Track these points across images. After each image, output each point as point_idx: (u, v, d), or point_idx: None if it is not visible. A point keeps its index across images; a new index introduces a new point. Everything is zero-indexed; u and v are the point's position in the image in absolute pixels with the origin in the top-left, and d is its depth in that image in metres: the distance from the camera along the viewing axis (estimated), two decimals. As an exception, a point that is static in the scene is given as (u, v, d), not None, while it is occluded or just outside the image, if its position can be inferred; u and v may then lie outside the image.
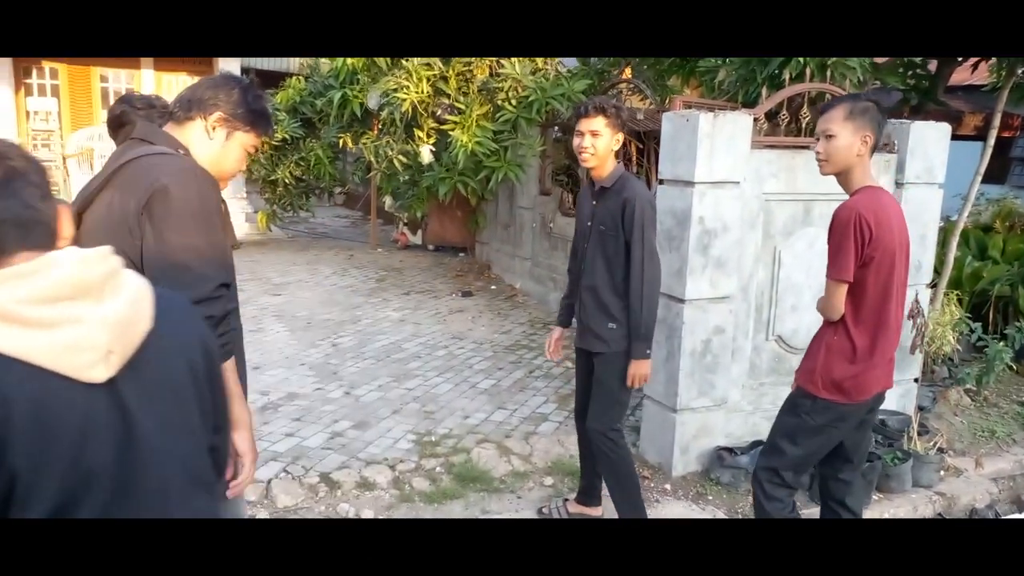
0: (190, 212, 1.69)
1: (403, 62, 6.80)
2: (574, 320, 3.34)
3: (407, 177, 7.38)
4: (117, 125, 2.04)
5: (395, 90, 6.70)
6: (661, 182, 4.08)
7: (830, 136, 2.43)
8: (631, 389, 3.14)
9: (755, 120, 3.99)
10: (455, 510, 3.60)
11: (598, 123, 2.97)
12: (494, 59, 6.88)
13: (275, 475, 3.74)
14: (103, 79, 12.77)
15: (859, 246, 2.39)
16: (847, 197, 2.51)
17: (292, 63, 14.56)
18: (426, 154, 6.91)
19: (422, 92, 6.67)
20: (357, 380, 5.20)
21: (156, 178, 1.67)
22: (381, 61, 7.00)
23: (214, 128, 1.83)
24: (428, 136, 6.96)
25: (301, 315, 7.00)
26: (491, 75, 6.74)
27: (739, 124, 3.81)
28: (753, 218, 4.00)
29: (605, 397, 3.16)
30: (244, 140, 1.89)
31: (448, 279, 8.84)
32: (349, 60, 7.15)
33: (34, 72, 12.13)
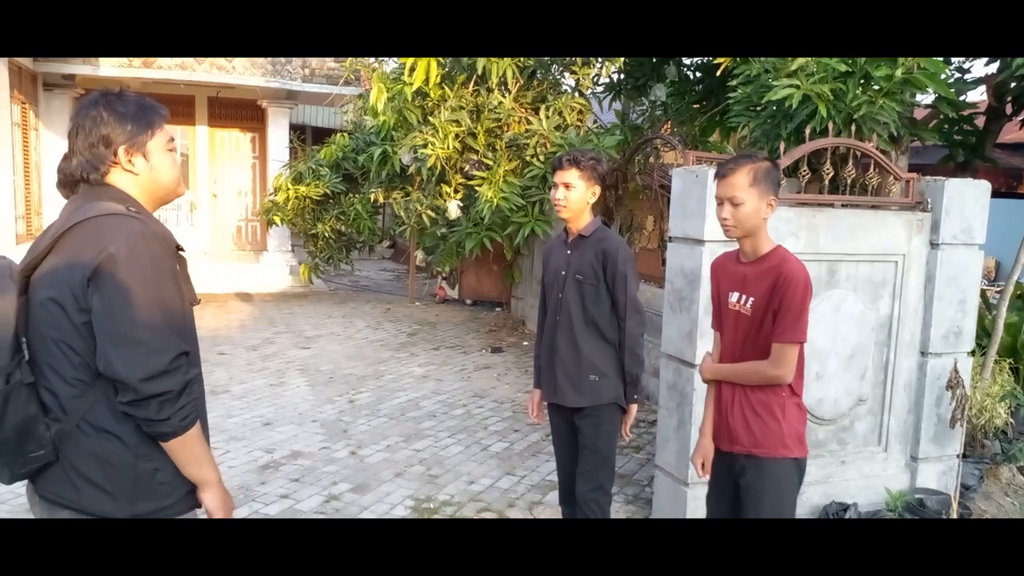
0: (141, 281, 1.59)
1: (430, 119, 6.82)
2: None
3: (435, 232, 7.34)
4: (71, 183, 1.96)
5: (423, 146, 6.71)
6: (671, 239, 3.90)
7: (737, 204, 2.39)
8: (617, 446, 3.09)
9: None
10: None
11: (571, 176, 2.94)
12: (523, 116, 6.84)
13: (260, 540, 3.59)
14: (160, 135, 13.21)
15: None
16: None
17: (339, 120, 14.89)
18: (453, 209, 6.87)
19: (448, 148, 6.65)
20: (366, 439, 5.05)
21: (103, 246, 1.58)
22: (412, 118, 7.03)
23: (131, 161, 1.71)
24: (456, 191, 6.92)
25: (325, 369, 6.93)
26: (520, 131, 6.68)
27: (752, 180, 3.61)
28: (771, 279, 3.76)
29: (593, 455, 3.01)
30: (158, 144, 1.76)
31: (480, 334, 8.72)
32: (382, 117, 7.19)
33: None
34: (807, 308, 2.35)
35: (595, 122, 8.25)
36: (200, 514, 1.82)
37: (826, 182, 3.98)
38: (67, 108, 11.42)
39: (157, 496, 1.69)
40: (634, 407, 3.07)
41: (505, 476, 4.52)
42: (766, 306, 2.38)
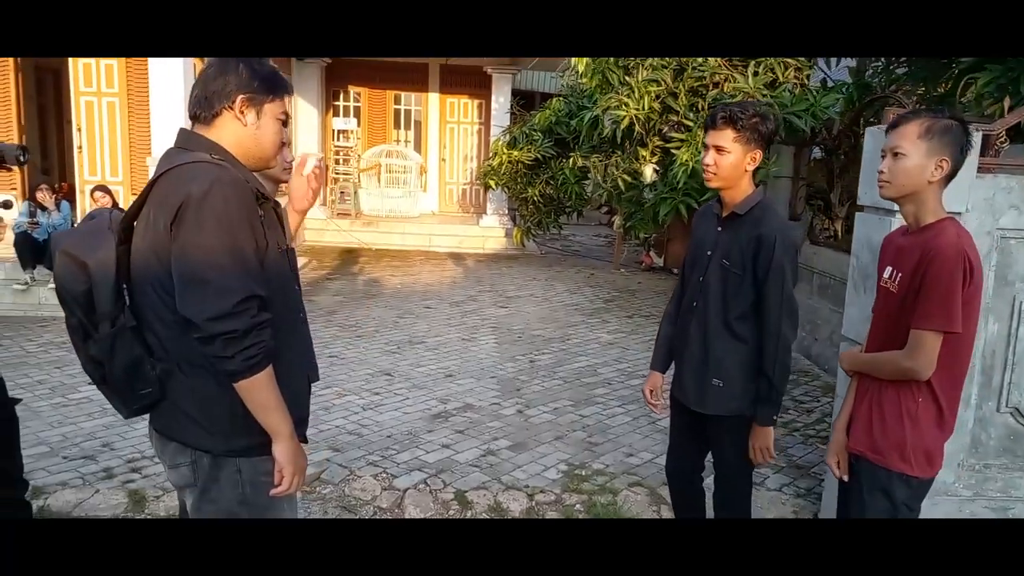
0: (213, 219, 1.65)
1: (627, 78, 6.60)
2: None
3: (631, 196, 7.14)
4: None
5: (617, 107, 6.52)
6: (860, 208, 3.45)
7: (898, 154, 2.06)
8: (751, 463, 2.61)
9: (992, 138, 3.20)
10: (579, 553, 3.34)
11: (726, 137, 2.45)
12: (729, 73, 6.39)
13: (413, 485, 3.77)
14: (396, 100, 14.19)
15: (962, 290, 1.96)
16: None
17: (553, 84, 14.97)
18: (648, 173, 6.63)
19: (643, 109, 6.40)
20: (536, 399, 5.10)
21: (184, 191, 1.66)
22: (614, 78, 6.85)
23: (243, 112, 1.79)
24: (652, 155, 6.66)
25: (516, 328, 7.09)
26: (722, 91, 6.26)
27: (962, 141, 3.07)
28: (982, 258, 3.19)
29: (725, 470, 2.68)
30: (273, 110, 1.84)
31: (681, 305, 8.41)
32: (584, 79, 7.10)
33: (340, 95, 13.83)
34: (956, 291, 1.93)
35: (822, 80, 7.53)
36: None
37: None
38: (317, 76, 12.59)
39: (251, 433, 1.76)
40: (769, 432, 2.53)
41: (666, 453, 4.33)
42: (909, 284, 2.02)
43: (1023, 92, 3.67)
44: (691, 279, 2.70)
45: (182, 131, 1.85)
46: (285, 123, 1.90)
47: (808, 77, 6.91)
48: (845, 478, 2.28)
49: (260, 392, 1.72)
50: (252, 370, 1.68)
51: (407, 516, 3.55)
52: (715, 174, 2.49)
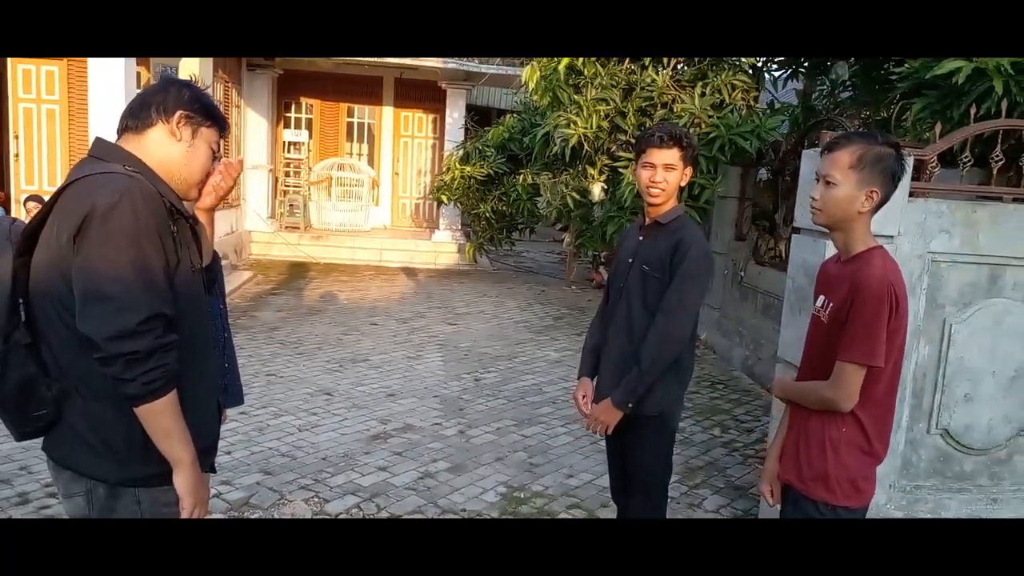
0: (119, 232, 1.56)
1: (576, 96, 6.61)
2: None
3: (580, 214, 7.15)
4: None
5: (565, 125, 6.52)
6: (797, 231, 3.47)
7: (829, 183, 2.03)
8: (664, 466, 2.72)
9: (925, 163, 3.24)
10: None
11: (673, 155, 2.54)
12: (676, 94, 6.45)
13: (346, 510, 3.66)
14: (349, 113, 14.06)
15: (888, 322, 1.93)
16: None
17: (508, 101, 15.02)
18: (596, 191, 6.64)
19: (592, 127, 6.41)
20: (479, 420, 5.02)
21: (90, 202, 1.57)
22: (564, 96, 6.86)
23: (179, 127, 1.73)
24: (600, 173, 6.68)
25: (463, 346, 7.01)
26: (670, 111, 6.30)
27: (894, 166, 3.11)
28: (912, 282, 3.23)
29: (638, 474, 2.70)
30: (209, 137, 1.80)
31: (630, 323, 8.43)
32: (534, 96, 7.09)
33: (292, 107, 13.65)
34: (880, 325, 1.90)
35: (770, 102, 7.65)
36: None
37: (995, 173, 3.35)
38: (268, 87, 12.41)
39: (148, 462, 1.68)
40: (616, 414, 2.55)
41: (607, 474, 4.28)
42: (836, 314, 2.00)
43: (954, 118, 3.74)
44: (614, 287, 2.76)
45: (98, 140, 1.76)
46: (215, 156, 1.84)
47: (755, 99, 7.01)
48: (777, 507, 2.26)
49: (160, 418, 1.63)
50: (153, 395, 1.59)
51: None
52: (663, 190, 2.56)
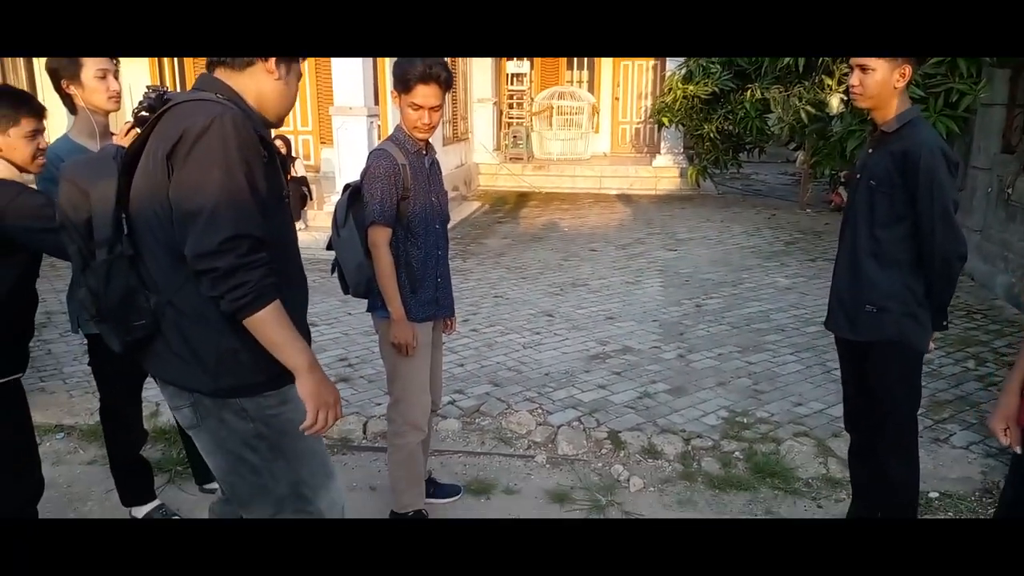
0: (207, 156, 1.62)
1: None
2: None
3: (816, 129, 6.59)
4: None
5: (799, 31, 5.96)
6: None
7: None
8: (911, 395, 2.51)
9: None
10: (735, 503, 3.21)
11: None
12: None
13: (567, 422, 3.79)
14: (569, 41, 13.93)
15: None
16: None
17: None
18: (835, 103, 6.06)
19: (830, 31, 5.81)
20: (699, 345, 4.93)
21: (183, 126, 1.65)
22: None
23: (275, 66, 1.81)
24: (839, 84, 6.08)
25: (683, 272, 6.87)
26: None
27: None
28: None
29: (885, 404, 2.50)
30: (299, 71, 1.91)
31: (870, 248, 7.75)
32: None
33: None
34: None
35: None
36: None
37: None
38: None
39: (239, 374, 1.75)
40: (934, 334, 2.51)
41: (839, 404, 4.03)
42: None
43: None
44: (848, 208, 2.58)
45: (201, 75, 1.85)
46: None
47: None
48: (1018, 449, 1.97)
49: (264, 329, 1.67)
50: (244, 310, 1.64)
51: (560, 452, 3.58)
52: (861, 94, 2.37)
